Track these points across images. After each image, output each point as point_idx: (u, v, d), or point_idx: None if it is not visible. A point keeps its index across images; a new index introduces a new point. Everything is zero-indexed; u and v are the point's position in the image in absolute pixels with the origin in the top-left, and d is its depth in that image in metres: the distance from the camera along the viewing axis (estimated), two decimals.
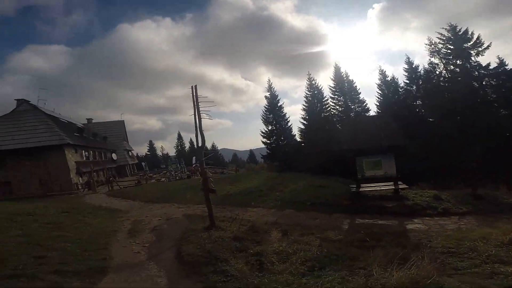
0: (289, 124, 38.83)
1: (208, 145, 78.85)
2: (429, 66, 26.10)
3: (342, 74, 36.32)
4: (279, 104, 39.15)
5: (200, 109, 7.56)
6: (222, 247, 5.56)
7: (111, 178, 23.18)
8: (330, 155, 20.28)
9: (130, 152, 42.99)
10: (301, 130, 37.50)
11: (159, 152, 67.90)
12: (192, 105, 7.56)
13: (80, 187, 21.93)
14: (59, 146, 21.53)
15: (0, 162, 20.65)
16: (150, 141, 68.38)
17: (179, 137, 67.40)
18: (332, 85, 36.01)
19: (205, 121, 7.87)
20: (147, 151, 65.82)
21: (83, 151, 25.76)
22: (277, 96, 39.71)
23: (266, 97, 39.36)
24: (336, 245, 5.43)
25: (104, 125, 40.91)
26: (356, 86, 35.53)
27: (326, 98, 36.35)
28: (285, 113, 38.95)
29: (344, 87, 35.41)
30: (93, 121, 40.61)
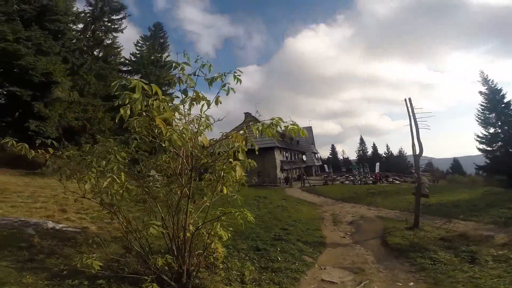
0: None
1: (382, 148, 71.94)
2: None
3: None
4: (505, 101, 29.15)
5: (417, 118, 7.94)
6: (429, 243, 5.87)
7: (304, 176, 27.50)
8: None
9: (316, 155, 48.21)
10: None
11: (339, 156, 69.89)
12: (408, 116, 8.09)
13: (281, 181, 27.79)
14: (272, 148, 28.57)
15: None
16: (332, 145, 71.73)
17: (361, 142, 65.86)
18: None
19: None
20: (329, 154, 69.47)
21: (285, 152, 32.42)
22: (500, 90, 29.73)
23: (481, 92, 30.66)
24: None
25: None
26: None
27: None
28: None
29: None
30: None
